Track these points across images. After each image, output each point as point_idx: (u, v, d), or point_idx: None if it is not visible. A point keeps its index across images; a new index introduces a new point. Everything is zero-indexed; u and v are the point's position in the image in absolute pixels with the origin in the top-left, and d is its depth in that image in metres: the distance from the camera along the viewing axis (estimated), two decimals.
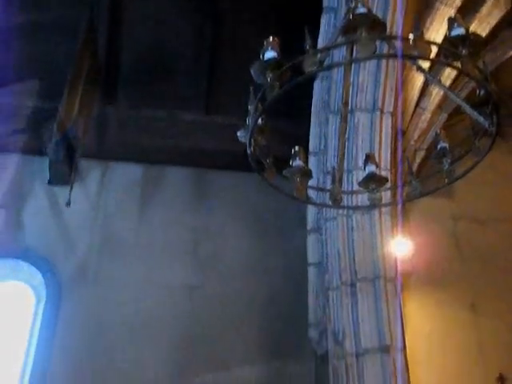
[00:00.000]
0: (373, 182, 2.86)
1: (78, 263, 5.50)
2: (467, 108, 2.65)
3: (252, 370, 5.22)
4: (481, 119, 2.61)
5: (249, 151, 2.63)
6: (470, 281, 5.35)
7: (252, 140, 2.63)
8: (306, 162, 2.87)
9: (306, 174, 2.70)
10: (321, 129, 5.17)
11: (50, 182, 5.71)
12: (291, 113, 5.34)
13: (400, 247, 4.78)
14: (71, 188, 5.48)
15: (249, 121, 2.60)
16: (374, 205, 3.08)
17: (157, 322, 5.33)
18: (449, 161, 2.81)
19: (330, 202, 3.00)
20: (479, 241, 5.56)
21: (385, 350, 4.30)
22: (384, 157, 4.79)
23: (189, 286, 5.55)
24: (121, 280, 5.47)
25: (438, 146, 2.82)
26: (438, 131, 2.97)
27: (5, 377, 5.21)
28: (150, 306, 5.37)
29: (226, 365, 5.23)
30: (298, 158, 2.67)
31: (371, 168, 2.84)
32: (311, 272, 4.99)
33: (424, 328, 5.04)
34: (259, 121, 2.61)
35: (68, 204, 5.34)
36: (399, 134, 4.95)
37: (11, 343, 5.35)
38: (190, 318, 5.40)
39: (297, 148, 2.70)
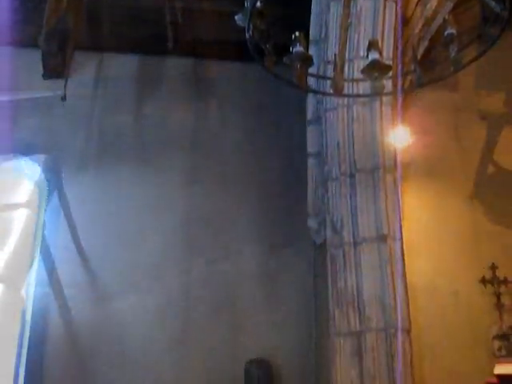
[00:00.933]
0: (376, 69, 2.79)
1: (77, 157, 5.50)
2: None
3: (251, 260, 5.35)
4: (492, 3, 2.51)
5: (247, 36, 2.54)
6: (468, 173, 5.37)
7: (251, 24, 2.54)
8: (307, 48, 2.78)
9: (307, 60, 2.62)
10: (322, 16, 5.00)
11: (44, 76, 5.58)
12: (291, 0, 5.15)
13: (400, 138, 4.76)
14: (66, 81, 5.38)
15: (247, 3, 2.50)
16: (376, 93, 3.03)
17: (156, 216, 5.41)
18: (455, 48, 2.73)
19: (331, 91, 2.94)
20: (480, 133, 5.53)
21: (382, 239, 4.39)
22: (386, 46, 4.65)
23: (187, 181, 5.56)
24: (120, 173, 5.49)
25: (446, 33, 2.73)
26: (446, 17, 2.87)
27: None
28: (149, 199, 5.43)
29: (224, 254, 5.35)
30: (298, 44, 2.58)
31: (374, 55, 2.75)
32: (310, 163, 4.99)
33: (421, 218, 5.12)
34: (258, 3, 2.50)
35: (63, 98, 5.26)
36: (401, 22, 4.79)
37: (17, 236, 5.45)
38: (189, 211, 5.46)
39: (297, 33, 2.60)
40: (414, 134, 4.98)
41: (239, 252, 5.35)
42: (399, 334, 4.25)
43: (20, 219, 5.48)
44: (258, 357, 4.97)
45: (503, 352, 4.93)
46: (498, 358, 4.81)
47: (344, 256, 4.42)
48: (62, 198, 5.41)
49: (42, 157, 5.45)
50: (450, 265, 5.04)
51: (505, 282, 5.04)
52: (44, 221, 5.29)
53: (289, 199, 5.48)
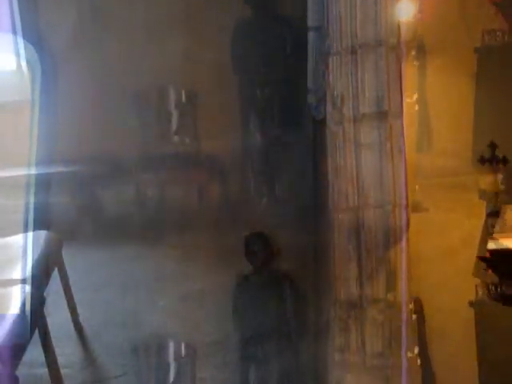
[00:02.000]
0: None
1: (70, 31, 5.33)
2: None
3: (251, 135, 5.33)
4: None
5: None
6: (473, 50, 5.24)
7: None
8: None
9: None
10: None
11: None
12: None
13: (405, 12, 4.61)
14: None
15: None
16: None
17: (157, 83, 5.30)
18: None
19: None
20: (487, 10, 5.33)
21: (383, 115, 4.35)
22: None
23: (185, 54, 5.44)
24: (117, 50, 5.35)
25: None
26: None
27: None
28: (148, 70, 5.30)
29: (222, 132, 5.28)
30: None
31: None
32: (311, 36, 4.85)
33: (423, 95, 5.06)
34: None
35: None
36: None
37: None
38: (187, 84, 5.36)
39: None
40: (419, 7, 4.81)
41: (237, 126, 5.31)
42: (396, 210, 4.33)
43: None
44: (257, 231, 5.09)
45: (497, 228, 5.03)
46: (490, 235, 4.91)
47: (344, 132, 4.40)
48: (55, 77, 5.29)
49: (31, 33, 5.27)
50: (449, 143, 5.04)
51: (503, 161, 5.06)
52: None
53: (288, 74, 5.38)
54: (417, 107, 4.96)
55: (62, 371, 4.49)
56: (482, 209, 4.58)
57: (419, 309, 4.70)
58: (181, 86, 5.23)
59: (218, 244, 4.99)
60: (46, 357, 3.61)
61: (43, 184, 4.86)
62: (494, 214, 5.03)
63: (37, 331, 3.23)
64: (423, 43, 5.11)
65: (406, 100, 4.57)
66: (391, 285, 4.24)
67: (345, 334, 4.27)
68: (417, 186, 4.37)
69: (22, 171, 5.02)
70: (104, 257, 5.11)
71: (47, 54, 5.24)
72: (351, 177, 4.36)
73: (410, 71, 4.94)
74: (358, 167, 4.35)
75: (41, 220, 4.40)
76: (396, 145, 4.36)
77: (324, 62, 4.62)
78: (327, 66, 4.55)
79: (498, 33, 5.22)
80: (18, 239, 3.78)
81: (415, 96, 4.92)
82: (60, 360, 4.47)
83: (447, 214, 4.82)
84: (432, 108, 5.06)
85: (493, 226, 5.04)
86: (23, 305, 2.83)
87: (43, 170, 4.83)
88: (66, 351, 4.89)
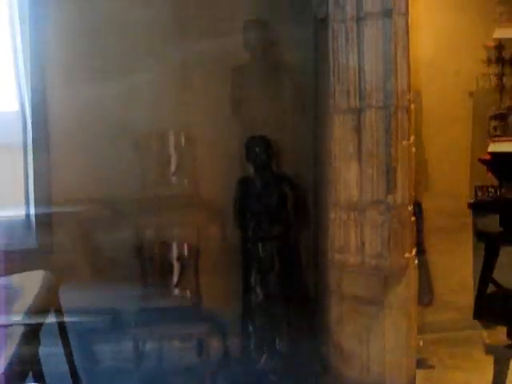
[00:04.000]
0: None
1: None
2: None
3: (252, 35, 5.15)
4: None
5: None
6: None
7: None
8: None
9: None
10: None
11: None
12: None
13: None
14: None
15: None
16: None
17: None
18: None
19: None
20: None
21: (387, 14, 4.19)
22: None
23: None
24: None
25: None
26: None
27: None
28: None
29: (225, 30, 5.12)
30: None
31: None
32: None
33: None
34: None
35: None
36: None
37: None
38: None
39: None
40: None
41: (239, 24, 5.16)
42: (398, 111, 4.26)
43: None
44: (258, 134, 5.07)
45: (498, 131, 5.00)
46: (492, 137, 4.88)
47: (346, 31, 4.25)
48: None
49: None
50: (455, 42, 4.91)
51: (510, 62, 4.94)
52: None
53: None
54: (422, 4, 4.77)
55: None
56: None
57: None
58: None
59: None
60: None
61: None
62: (497, 116, 5.00)
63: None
64: None
65: None
66: (391, 187, 4.23)
67: (344, 235, 4.32)
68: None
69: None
70: None
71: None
72: (353, 77, 4.27)
73: None
74: (361, 67, 4.25)
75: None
76: (400, 44, 4.24)
77: None
78: None
79: None
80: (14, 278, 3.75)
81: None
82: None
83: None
84: (438, 4, 4.89)
85: (494, 129, 5.02)
86: (18, 346, 2.75)
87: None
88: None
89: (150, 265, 4.95)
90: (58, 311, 3.63)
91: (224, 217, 5.15)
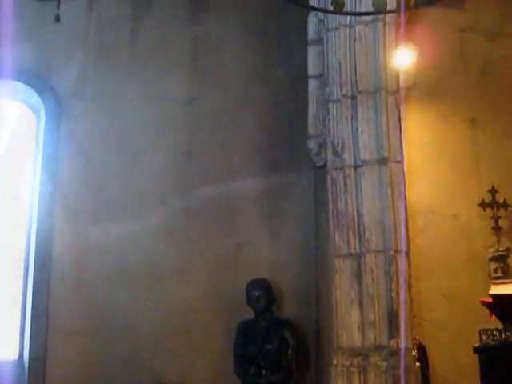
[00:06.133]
0: None
1: (75, 79, 5.40)
2: None
3: (253, 182, 5.36)
4: None
5: None
6: (471, 95, 5.28)
7: None
8: None
9: None
10: None
11: None
12: None
13: (403, 59, 4.66)
14: (59, 2, 5.20)
15: None
16: (378, 11, 2.94)
17: (157, 135, 5.38)
18: None
19: (332, 8, 2.85)
20: (484, 54, 5.40)
21: (383, 161, 4.38)
22: None
23: (188, 99, 5.51)
24: (119, 94, 5.42)
25: None
26: None
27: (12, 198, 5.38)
28: (149, 120, 5.39)
29: (227, 176, 5.36)
30: None
31: None
32: (311, 84, 4.92)
33: (422, 141, 5.07)
34: None
35: (57, 19, 5.09)
36: None
37: (17, 163, 5.46)
38: (190, 132, 5.43)
39: None
40: (417, 54, 4.87)
41: (240, 172, 5.37)
42: (398, 255, 4.31)
43: (19, 143, 5.49)
44: (258, 277, 5.07)
45: (499, 273, 5.00)
46: (493, 279, 4.87)
47: (345, 178, 4.42)
48: (60, 121, 5.35)
49: (37, 81, 5.37)
50: (450, 188, 5.04)
51: (504, 205, 5.05)
52: (42, 145, 5.28)
53: (289, 120, 5.44)
54: (416, 152, 4.96)
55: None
56: None
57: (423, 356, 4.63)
58: None
59: None
60: None
61: None
62: (497, 258, 5.02)
63: None
64: (422, 88, 5.17)
65: (406, 145, 4.60)
66: (393, 331, 4.19)
67: (347, 382, 4.21)
68: None
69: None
70: None
71: (51, 100, 5.32)
72: (352, 222, 4.37)
73: (409, 116, 5.00)
74: (359, 213, 4.36)
75: None
76: (397, 190, 4.38)
77: (324, 108, 4.69)
78: (328, 112, 4.61)
79: None
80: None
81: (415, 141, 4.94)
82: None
83: None
84: (432, 153, 5.07)
85: (495, 271, 5.02)
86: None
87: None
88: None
89: None
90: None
91: (223, 363, 5.03)
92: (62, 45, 5.45)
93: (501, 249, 5.03)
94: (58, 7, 5.23)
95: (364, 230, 4.35)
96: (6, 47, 5.23)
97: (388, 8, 3.17)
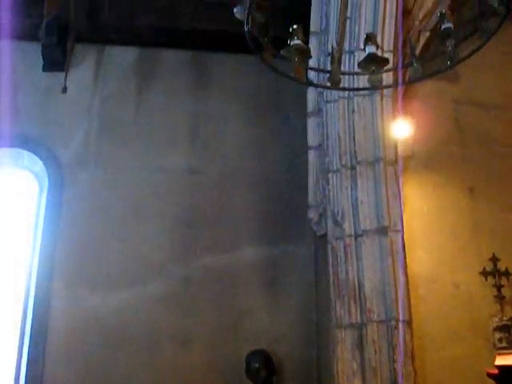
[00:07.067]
0: (373, 63, 2.78)
1: (78, 149, 5.50)
2: None
3: (253, 251, 5.35)
4: None
5: (246, 29, 2.54)
6: (469, 165, 5.35)
7: (249, 17, 2.53)
8: (306, 41, 2.78)
9: (305, 53, 2.61)
10: (322, 8, 4.99)
11: (44, 69, 5.57)
12: None
13: (401, 130, 4.76)
14: (66, 73, 5.37)
15: None
16: (374, 87, 3.03)
17: (158, 205, 5.41)
18: (453, 42, 2.72)
19: (329, 84, 2.94)
20: (480, 125, 5.51)
21: (383, 231, 4.40)
22: (387, 37, 4.66)
23: (189, 171, 5.58)
24: (121, 164, 5.50)
25: (442, 27, 2.72)
26: (443, 11, 2.86)
27: (12, 264, 5.37)
28: (151, 190, 5.44)
29: (227, 246, 5.36)
30: (296, 37, 2.58)
31: (371, 49, 2.74)
32: (311, 155, 4.99)
33: (421, 210, 5.10)
34: None
35: (64, 90, 5.25)
36: (402, 13, 4.78)
37: (17, 230, 5.49)
38: (191, 202, 5.48)
39: (295, 26, 2.59)
40: (414, 125, 4.98)
41: (240, 241, 5.37)
42: (400, 325, 4.27)
43: (20, 211, 5.54)
44: (259, 348, 5.00)
45: (504, 343, 4.93)
46: (498, 350, 4.80)
47: (345, 248, 4.43)
48: (62, 189, 5.41)
49: (41, 149, 5.47)
50: (450, 256, 5.04)
51: (506, 273, 5.04)
52: (44, 212, 5.32)
53: (290, 190, 5.50)
54: (416, 221, 4.99)
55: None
56: None
57: None
58: None
59: None
60: None
61: None
62: (501, 328, 4.96)
63: None
64: (420, 158, 5.25)
65: (405, 214, 4.63)
66: None
67: None
68: None
69: None
70: None
71: (54, 169, 5.41)
72: (353, 292, 4.35)
73: (408, 186, 5.06)
74: (360, 282, 4.35)
75: None
76: (397, 259, 4.39)
77: (324, 178, 4.75)
78: (327, 182, 4.68)
79: None
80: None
81: (414, 210, 4.98)
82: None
83: None
84: (432, 222, 5.10)
85: (500, 341, 4.96)
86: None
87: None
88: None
89: None
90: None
91: None
92: (67, 115, 5.57)
93: (505, 318, 4.98)
94: (66, 79, 5.44)
95: (365, 299, 4.33)
96: (12, 116, 5.39)
97: (384, 83, 3.26)
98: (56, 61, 5.48)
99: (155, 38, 5.80)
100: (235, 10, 2.55)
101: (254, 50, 2.64)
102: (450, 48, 2.68)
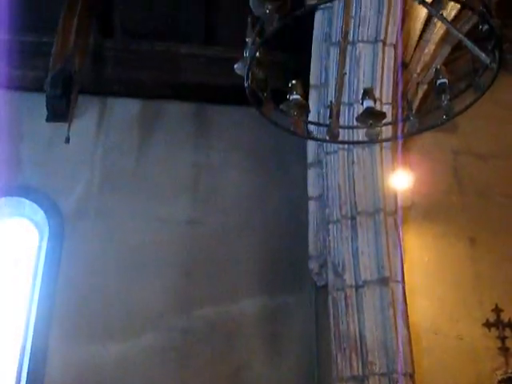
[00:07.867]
0: (371, 117, 2.84)
1: (79, 199, 5.52)
2: (468, 44, 2.61)
3: (253, 303, 5.30)
4: (482, 55, 2.57)
5: (246, 84, 2.60)
6: (468, 215, 5.37)
7: (250, 73, 2.59)
8: (305, 95, 2.84)
9: (303, 107, 2.67)
10: (322, 61, 5.09)
11: (48, 119, 5.65)
12: (292, 45, 5.22)
13: (400, 181, 4.80)
14: (70, 124, 5.44)
15: (246, 53, 2.56)
16: (372, 140, 3.08)
17: (158, 256, 5.39)
18: (448, 97, 2.78)
19: (328, 137, 2.99)
20: (479, 176, 5.56)
21: (384, 281, 4.39)
22: (386, 90, 4.75)
23: (189, 221, 5.58)
24: (122, 215, 5.51)
25: (438, 82, 2.79)
26: (438, 66, 2.94)
27: (10, 314, 5.32)
28: (151, 241, 5.43)
29: (226, 297, 5.31)
30: (294, 92, 2.64)
31: (369, 103, 2.81)
32: (311, 205, 5.01)
33: (422, 260, 5.10)
34: (257, 53, 2.56)
35: (67, 140, 5.31)
36: (401, 66, 4.88)
37: (17, 279, 5.47)
38: (191, 252, 5.47)
39: (294, 81, 2.66)
40: (414, 176, 5.03)
41: (239, 292, 5.33)
42: (402, 378, 4.21)
43: (20, 260, 5.53)
44: None
45: None
46: None
47: (346, 299, 4.41)
48: (63, 239, 5.42)
49: (43, 198, 5.51)
50: (452, 307, 5.00)
51: (509, 325, 4.99)
52: (44, 261, 5.32)
53: (290, 241, 5.49)
54: (417, 272, 4.97)
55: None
56: None
57: None
58: None
59: None
60: None
61: None
62: (506, 381, 4.89)
63: None
64: (420, 209, 5.28)
65: (406, 265, 4.62)
66: None
67: None
68: None
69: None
70: None
71: (55, 218, 5.43)
72: (354, 344, 4.30)
73: (408, 236, 5.07)
74: (361, 334, 4.31)
75: None
76: (398, 310, 4.36)
77: (325, 229, 4.76)
78: (328, 233, 4.68)
79: None
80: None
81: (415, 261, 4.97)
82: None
83: None
84: (433, 273, 5.08)
85: None
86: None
87: None
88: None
89: None
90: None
91: None
92: (69, 165, 5.62)
93: (509, 371, 4.92)
94: (69, 130, 5.52)
95: (367, 352, 4.28)
96: (15, 165, 5.44)
97: (383, 135, 3.31)
98: (60, 112, 5.55)
99: (158, 90, 5.90)
100: (236, 66, 2.62)
101: (254, 104, 2.69)
102: (445, 102, 2.73)
